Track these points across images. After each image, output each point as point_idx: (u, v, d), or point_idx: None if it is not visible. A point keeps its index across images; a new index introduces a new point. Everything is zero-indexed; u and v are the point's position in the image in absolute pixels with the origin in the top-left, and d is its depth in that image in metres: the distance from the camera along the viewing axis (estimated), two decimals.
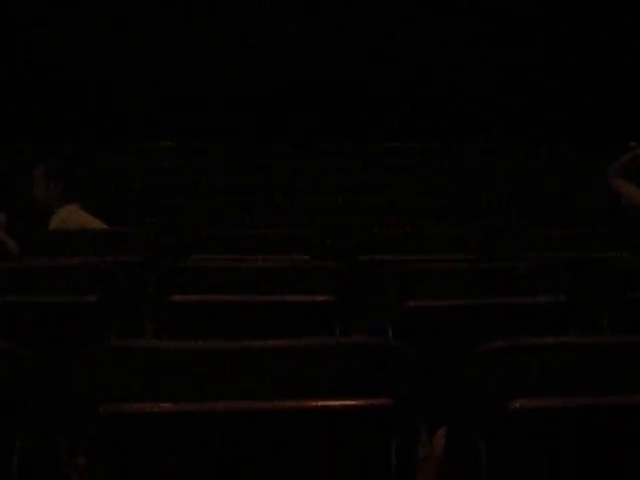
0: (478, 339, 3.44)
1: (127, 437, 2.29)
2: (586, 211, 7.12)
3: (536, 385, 2.39)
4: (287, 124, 11.83)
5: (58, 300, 3.88)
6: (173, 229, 6.13)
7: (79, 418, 2.44)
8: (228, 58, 12.11)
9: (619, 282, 3.85)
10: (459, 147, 10.58)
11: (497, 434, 2.35)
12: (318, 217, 6.70)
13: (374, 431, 2.32)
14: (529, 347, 2.40)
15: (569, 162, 10.08)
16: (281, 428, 2.31)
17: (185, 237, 5.39)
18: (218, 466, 2.32)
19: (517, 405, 2.31)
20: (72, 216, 5.68)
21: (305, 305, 3.78)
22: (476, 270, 3.97)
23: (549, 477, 2.28)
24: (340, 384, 2.38)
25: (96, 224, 5.65)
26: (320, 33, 12.17)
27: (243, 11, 12.15)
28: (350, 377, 2.38)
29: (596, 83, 12.12)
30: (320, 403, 2.34)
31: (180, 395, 2.38)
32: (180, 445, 2.30)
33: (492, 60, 12.17)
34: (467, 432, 2.39)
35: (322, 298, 3.77)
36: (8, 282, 3.97)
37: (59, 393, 2.57)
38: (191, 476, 2.31)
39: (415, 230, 5.22)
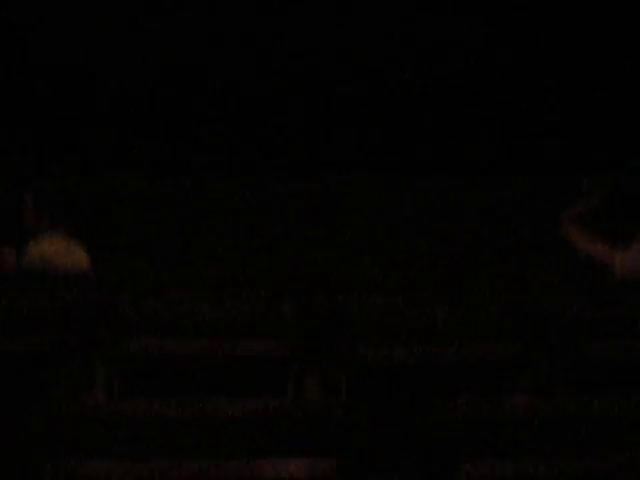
0: (431, 391, 3.45)
1: None
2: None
3: (487, 450, 2.38)
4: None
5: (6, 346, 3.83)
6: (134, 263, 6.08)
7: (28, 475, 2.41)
8: None
9: (572, 334, 3.86)
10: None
11: None
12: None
13: None
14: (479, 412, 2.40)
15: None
16: None
17: (143, 277, 5.35)
18: None
19: (469, 469, 2.30)
20: (48, 249, 5.53)
21: (257, 355, 3.76)
22: (430, 317, 3.97)
23: None
24: (288, 447, 2.37)
25: (74, 257, 5.49)
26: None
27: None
28: (297, 440, 2.37)
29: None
30: (269, 464, 2.32)
31: (128, 456, 2.35)
32: None
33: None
34: None
35: (273, 347, 3.76)
36: None
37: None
38: None
39: (365, 271, 5.21)
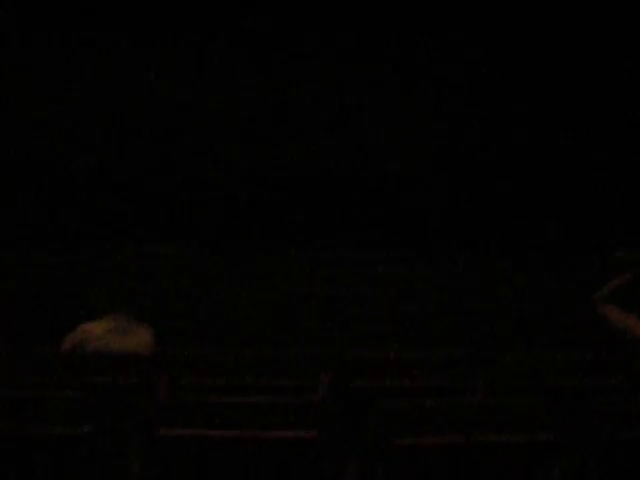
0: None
1: None
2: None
3: None
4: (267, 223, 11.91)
5: (46, 433, 3.87)
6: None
7: None
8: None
9: (610, 420, 3.83)
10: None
11: None
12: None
13: None
14: None
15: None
16: None
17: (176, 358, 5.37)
18: None
19: None
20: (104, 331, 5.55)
21: (292, 441, 3.78)
22: (466, 406, 3.97)
23: None
24: None
25: (132, 339, 5.51)
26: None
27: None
28: None
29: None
30: None
31: None
32: None
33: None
34: None
35: (307, 435, 3.77)
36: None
37: None
38: None
39: (401, 356, 5.22)
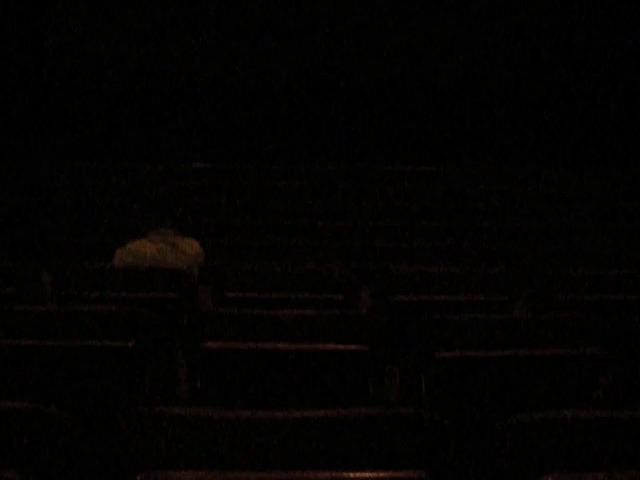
0: (510, 394, 3.46)
1: None
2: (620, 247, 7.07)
3: (566, 459, 2.40)
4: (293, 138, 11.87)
5: (92, 345, 3.92)
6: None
7: None
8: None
9: None
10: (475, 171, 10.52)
11: None
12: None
13: None
14: (556, 421, 2.41)
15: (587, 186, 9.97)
16: None
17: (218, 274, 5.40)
18: None
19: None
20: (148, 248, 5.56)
21: (338, 354, 3.80)
22: (508, 320, 3.97)
23: None
24: (373, 456, 2.40)
25: (177, 255, 5.52)
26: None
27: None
28: (383, 449, 2.40)
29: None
30: (353, 475, 2.35)
31: (214, 464, 2.41)
32: None
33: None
34: None
35: (355, 347, 3.79)
36: (42, 326, 4.02)
37: (93, 457, 2.60)
38: None
39: (443, 270, 5.22)
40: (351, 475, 2.35)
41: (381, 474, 2.36)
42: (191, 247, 5.58)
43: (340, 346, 3.83)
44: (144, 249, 5.51)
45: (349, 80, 12.09)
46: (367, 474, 2.36)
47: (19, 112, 11.80)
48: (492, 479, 2.41)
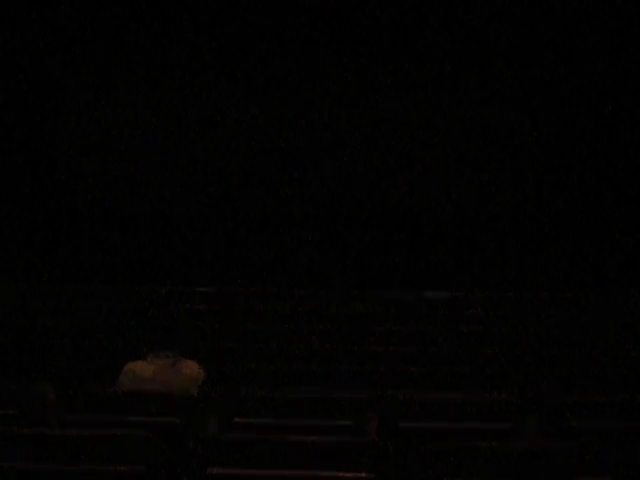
0: None
1: None
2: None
3: None
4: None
5: (96, 469, 3.88)
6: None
7: None
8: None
9: None
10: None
11: None
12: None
13: None
14: None
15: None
16: None
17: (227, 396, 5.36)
18: None
19: None
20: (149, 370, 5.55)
21: None
22: (516, 449, 3.93)
23: None
24: None
25: (177, 378, 5.51)
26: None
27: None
28: None
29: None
30: None
31: None
32: None
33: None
34: None
35: (362, 475, 3.76)
36: (45, 450, 3.99)
37: None
38: None
39: (450, 397, 5.19)
40: None
41: None
42: (191, 369, 5.57)
43: (348, 474, 3.79)
44: (145, 371, 5.51)
45: (347, 206, 12.26)
46: None
47: (21, 232, 11.94)
48: None
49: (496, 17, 12.12)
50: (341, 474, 3.78)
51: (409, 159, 12.35)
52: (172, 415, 5.01)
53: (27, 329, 8.47)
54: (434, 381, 6.73)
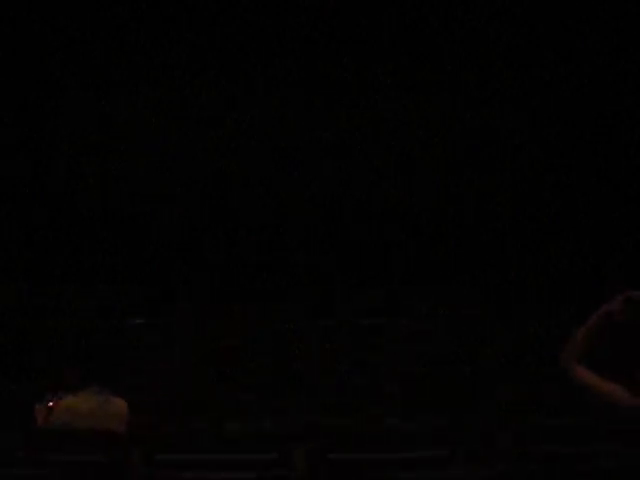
0: None
1: None
2: None
3: None
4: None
5: None
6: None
7: None
8: None
9: None
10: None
11: None
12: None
13: None
14: None
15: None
16: None
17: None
18: None
19: None
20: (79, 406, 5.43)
21: None
22: (448, 477, 3.83)
23: None
24: None
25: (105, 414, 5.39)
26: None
27: None
28: None
29: None
30: None
31: None
32: None
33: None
34: None
35: None
36: None
37: None
38: None
39: (382, 425, 5.08)
40: None
41: None
42: (119, 407, 5.45)
43: None
44: (78, 407, 5.38)
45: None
46: None
47: None
48: None
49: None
50: None
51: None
52: (99, 452, 4.85)
53: None
54: (364, 408, 6.63)
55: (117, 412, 5.44)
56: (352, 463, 4.65)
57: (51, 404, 5.41)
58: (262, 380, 7.39)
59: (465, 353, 8.74)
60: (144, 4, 11.92)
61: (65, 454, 4.82)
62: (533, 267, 11.96)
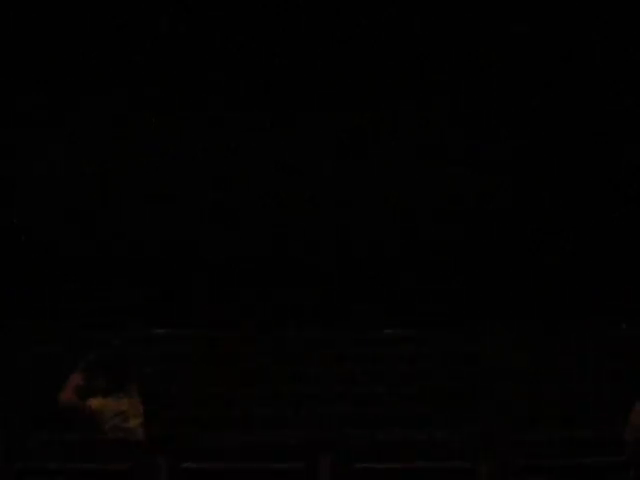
0: None
1: None
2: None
3: None
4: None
5: None
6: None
7: None
8: None
9: None
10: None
11: None
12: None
13: None
14: None
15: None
16: None
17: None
18: None
19: None
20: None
21: None
22: None
23: None
24: None
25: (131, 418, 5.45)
26: None
27: None
28: None
29: None
30: None
31: None
32: None
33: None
34: None
35: None
36: None
37: None
38: None
39: (406, 437, 5.12)
40: None
41: None
42: (140, 411, 5.52)
43: None
44: (104, 409, 5.44)
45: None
46: None
47: None
48: None
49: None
50: None
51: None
52: (123, 460, 4.91)
53: None
54: (390, 421, 6.66)
55: (139, 415, 5.50)
56: (377, 473, 4.70)
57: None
58: (286, 390, 7.43)
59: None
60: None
61: (90, 463, 4.88)
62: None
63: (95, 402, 5.49)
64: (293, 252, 11.91)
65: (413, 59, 12.08)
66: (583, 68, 11.94)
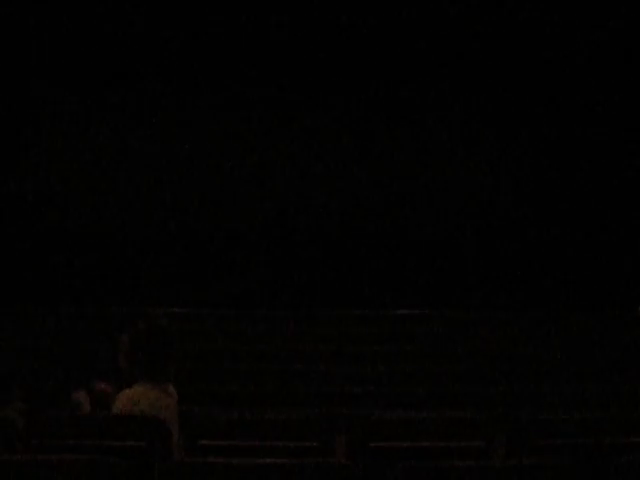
0: None
1: None
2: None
3: None
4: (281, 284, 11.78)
5: None
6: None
7: None
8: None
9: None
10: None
11: None
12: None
13: None
14: None
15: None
16: None
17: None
18: None
19: None
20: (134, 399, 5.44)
21: None
22: (486, 466, 3.89)
23: None
24: None
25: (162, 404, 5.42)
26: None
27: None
28: None
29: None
30: None
31: None
32: None
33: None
34: None
35: None
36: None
37: None
38: None
39: (419, 416, 5.14)
40: None
41: None
42: (173, 393, 5.49)
43: None
44: (145, 396, 5.39)
45: (327, 226, 12.17)
46: None
47: None
48: None
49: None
50: None
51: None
52: (140, 439, 4.92)
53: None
54: (403, 401, 6.69)
55: (174, 397, 5.47)
56: (392, 451, 4.73)
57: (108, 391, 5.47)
58: (301, 369, 7.47)
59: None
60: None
61: (107, 440, 4.90)
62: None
63: (128, 391, 5.44)
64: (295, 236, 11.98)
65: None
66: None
